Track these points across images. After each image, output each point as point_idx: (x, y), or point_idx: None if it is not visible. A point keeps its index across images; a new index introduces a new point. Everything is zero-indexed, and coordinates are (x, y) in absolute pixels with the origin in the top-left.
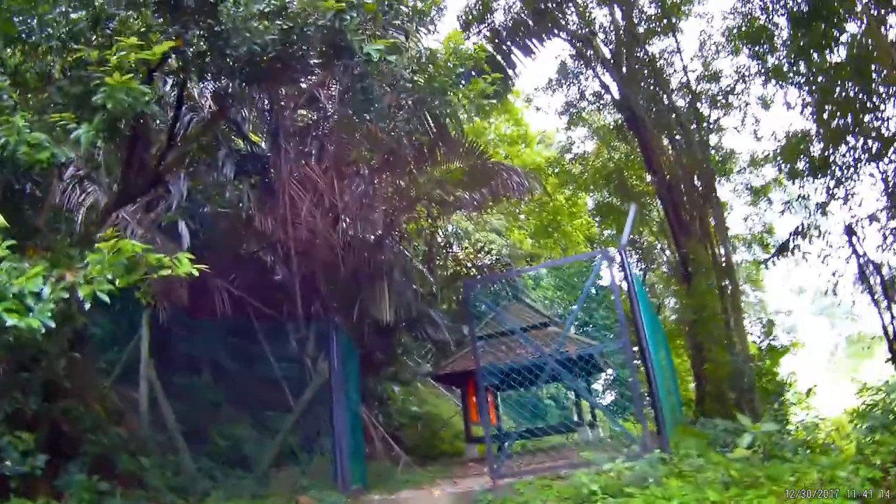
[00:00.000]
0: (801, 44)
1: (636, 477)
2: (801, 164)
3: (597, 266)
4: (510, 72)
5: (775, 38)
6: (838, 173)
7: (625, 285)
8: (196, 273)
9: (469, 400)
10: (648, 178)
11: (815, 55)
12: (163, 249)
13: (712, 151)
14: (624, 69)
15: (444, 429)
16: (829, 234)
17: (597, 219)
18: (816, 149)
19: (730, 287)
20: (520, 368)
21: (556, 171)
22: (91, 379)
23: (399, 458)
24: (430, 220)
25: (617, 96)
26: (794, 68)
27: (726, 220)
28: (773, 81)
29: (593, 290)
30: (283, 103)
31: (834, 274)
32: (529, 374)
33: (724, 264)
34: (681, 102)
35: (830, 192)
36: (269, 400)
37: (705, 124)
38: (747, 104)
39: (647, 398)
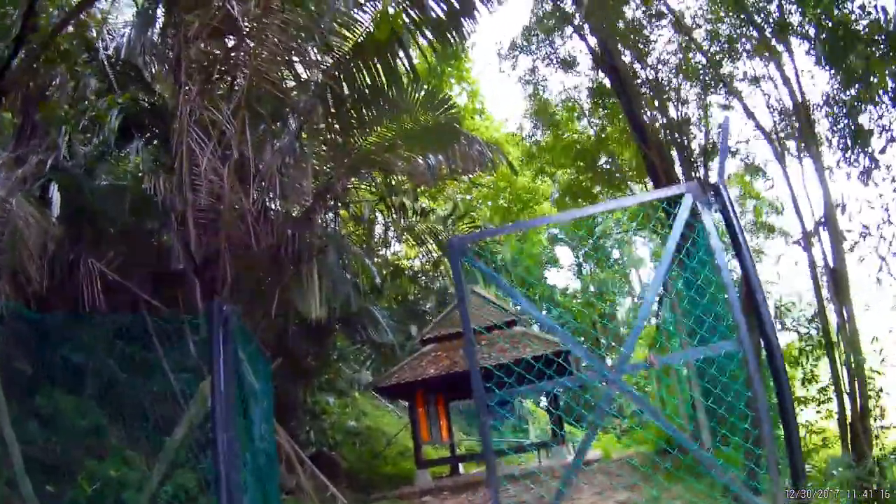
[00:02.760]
0: None
1: None
2: None
3: (682, 211)
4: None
5: None
6: None
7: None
8: None
9: (419, 415)
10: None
11: None
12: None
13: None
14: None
15: (389, 447)
16: None
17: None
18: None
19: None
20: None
21: (521, 144)
22: None
23: (332, 496)
24: (377, 191)
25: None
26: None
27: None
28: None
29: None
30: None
31: None
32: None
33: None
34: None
35: None
36: (166, 423)
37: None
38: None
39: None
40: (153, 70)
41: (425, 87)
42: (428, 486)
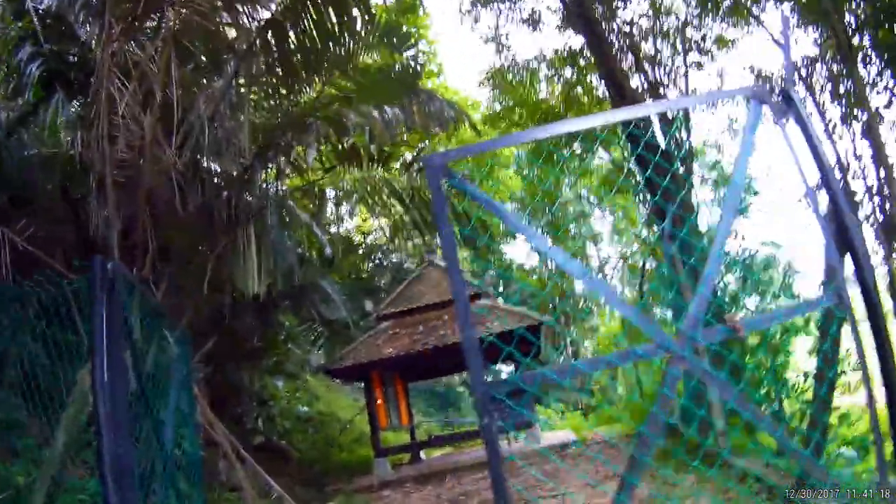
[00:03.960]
0: None
1: None
2: None
3: (753, 117)
4: None
5: None
6: None
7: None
8: None
9: (376, 398)
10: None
11: None
12: None
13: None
14: None
15: (344, 433)
16: None
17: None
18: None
19: None
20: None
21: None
22: None
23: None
24: (325, 146)
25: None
26: None
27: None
28: None
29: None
30: None
31: None
32: None
33: None
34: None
35: None
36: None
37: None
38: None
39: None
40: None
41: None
42: (388, 476)
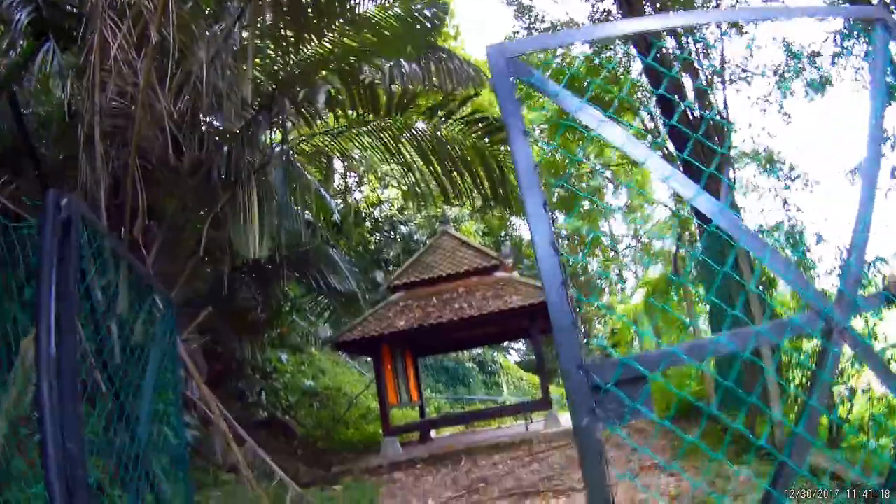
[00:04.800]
0: None
1: None
2: None
3: (881, 48)
4: None
5: None
6: None
7: None
8: None
9: (385, 373)
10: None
11: None
12: None
13: None
14: None
15: (351, 409)
16: None
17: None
18: None
19: None
20: None
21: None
22: None
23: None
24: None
25: None
26: None
27: None
28: None
29: None
30: None
31: None
32: None
33: None
34: None
35: None
36: None
37: None
38: None
39: None
40: None
41: None
42: (397, 456)
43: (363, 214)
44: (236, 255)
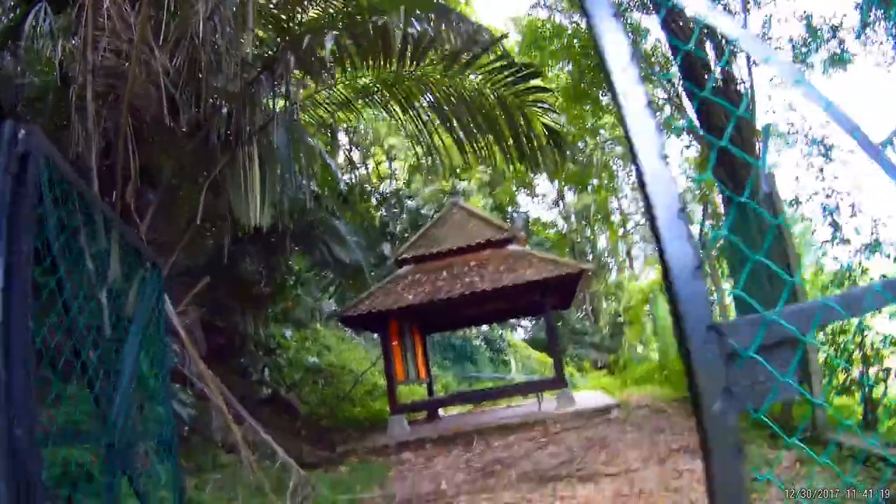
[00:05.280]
0: None
1: None
2: None
3: None
4: None
5: None
6: None
7: None
8: None
9: (393, 349)
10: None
11: None
12: None
13: None
14: None
15: (357, 386)
16: None
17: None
18: None
19: None
20: None
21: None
22: None
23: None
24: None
25: None
26: None
27: None
28: None
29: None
30: None
31: None
32: None
33: None
34: None
35: None
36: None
37: None
38: None
39: None
40: None
41: None
42: (404, 435)
43: (369, 189)
44: (237, 223)
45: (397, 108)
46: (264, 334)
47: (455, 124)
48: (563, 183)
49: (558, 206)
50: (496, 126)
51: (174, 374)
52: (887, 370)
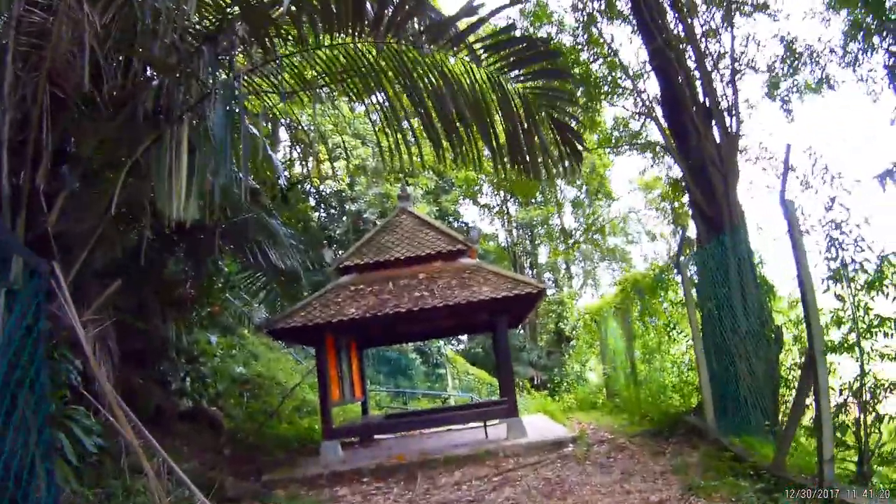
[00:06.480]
0: None
1: None
2: None
3: None
4: None
5: None
6: None
7: None
8: None
9: (329, 367)
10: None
11: None
12: None
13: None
14: None
15: (286, 401)
16: None
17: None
18: None
19: None
20: None
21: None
22: None
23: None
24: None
25: None
26: None
27: None
28: None
29: None
30: None
31: None
32: None
33: None
34: None
35: None
36: None
37: None
38: None
39: None
40: None
41: None
42: (338, 464)
43: (308, 189)
44: (161, 216)
45: (360, 87)
46: (187, 340)
47: (433, 112)
48: (507, 194)
49: (502, 218)
50: (485, 118)
51: (78, 396)
52: (878, 416)
